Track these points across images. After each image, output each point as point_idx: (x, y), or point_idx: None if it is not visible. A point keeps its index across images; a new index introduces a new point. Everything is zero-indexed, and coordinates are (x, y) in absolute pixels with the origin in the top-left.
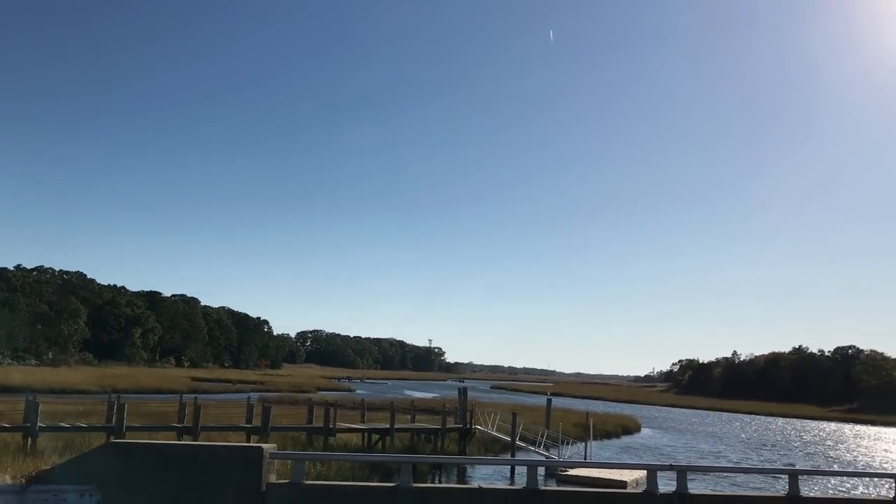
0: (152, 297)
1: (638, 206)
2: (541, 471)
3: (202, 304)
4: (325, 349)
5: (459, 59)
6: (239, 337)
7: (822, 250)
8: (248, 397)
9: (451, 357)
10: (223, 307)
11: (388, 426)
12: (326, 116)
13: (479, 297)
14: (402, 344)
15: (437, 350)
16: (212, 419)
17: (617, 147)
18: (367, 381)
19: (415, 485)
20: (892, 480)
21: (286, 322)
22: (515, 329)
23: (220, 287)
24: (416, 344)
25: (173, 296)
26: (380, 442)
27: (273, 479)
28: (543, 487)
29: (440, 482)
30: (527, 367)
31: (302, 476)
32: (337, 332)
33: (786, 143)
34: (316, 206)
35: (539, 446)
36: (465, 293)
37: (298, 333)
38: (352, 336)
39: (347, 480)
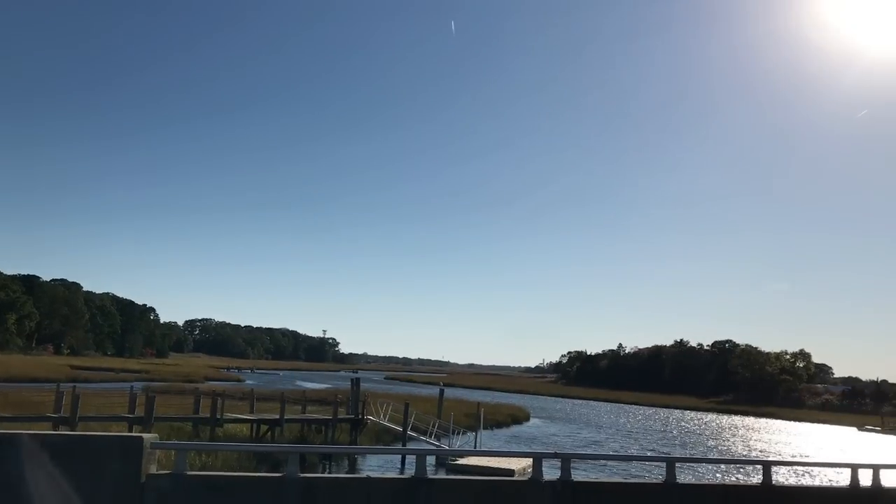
0: (29, 282)
1: (529, 201)
2: (430, 460)
3: (85, 289)
4: (215, 338)
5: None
6: (123, 324)
7: (703, 249)
8: (132, 387)
9: (345, 348)
10: (107, 293)
11: (277, 417)
12: (212, 109)
13: (374, 289)
14: (295, 334)
15: (331, 341)
16: (92, 409)
17: (517, 143)
18: (258, 371)
19: (302, 475)
20: (760, 467)
21: (174, 310)
22: (411, 320)
23: (104, 273)
24: (310, 334)
25: (53, 280)
26: (269, 433)
27: (153, 469)
28: (431, 476)
29: (330, 472)
30: (421, 358)
31: (184, 467)
32: (227, 322)
33: (675, 145)
34: (206, 193)
35: (430, 436)
36: (361, 284)
37: (186, 322)
38: (243, 325)
39: (234, 471)
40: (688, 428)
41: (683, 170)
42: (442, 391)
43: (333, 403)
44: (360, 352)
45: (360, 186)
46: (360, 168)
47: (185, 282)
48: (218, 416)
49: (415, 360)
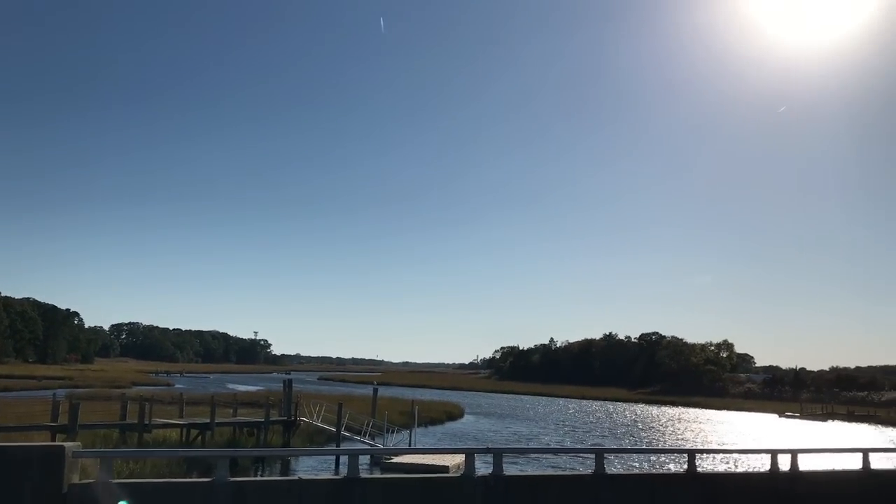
0: None
1: (458, 200)
2: (365, 459)
3: (3, 294)
4: (143, 342)
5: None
6: (45, 330)
7: (630, 244)
8: (54, 394)
9: (277, 349)
10: (27, 298)
11: (208, 420)
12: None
13: (306, 289)
14: (225, 336)
15: (262, 342)
16: (12, 418)
17: (446, 138)
18: (188, 374)
19: (232, 479)
20: (685, 455)
21: (99, 314)
22: (344, 320)
23: (24, 277)
24: (241, 336)
25: None
26: (199, 437)
27: (76, 479)
28: (365, 476)
29: (262, 476)
30: (355, 357)
31: (109, 475)
32: (155, 325)
33: (601, 142)
34: (128, 192)
35: (364, 435)
36: (293, 284)
37: (113, 326)
38: (171, 329)
39: (164, 478)
40: (617, 419)
41: (612, 166)
42: (376, 390)
43: (265, 405)
44: (292, 353)
45: (287, 183)
46: (286, 163)
47: (111, 285)
48: (146, 422)
49: (349, 360)
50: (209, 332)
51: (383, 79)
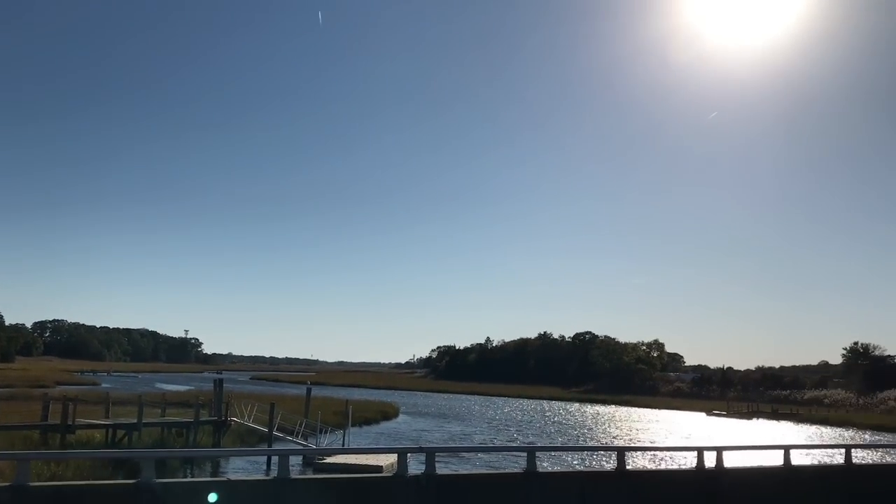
0: None
1: (396, 198)
2: (297, 460)
3: None
4: (68, 341)
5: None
6: None
7: (564, 244)
8: None
9: (209, 348)
10: None
11: (135, 421)
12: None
13: (239, 286)
14: (155, 335)
15: (193, 341)
16: None
17: (383, 138)
18: (116, 374)
19: (158, 480)
20: (615, 453)
21: (21, 312)
22: (278, 319)
23: None
24: (171, 335)
25: None
26: (125, 438)
27: None
28: (296, 476)
29: (192, 477)
30: (289, 357)
31: (27, 478)
32: (81, 323)
33: (540, 143)
34: (49, 185)
35: (297, 436)
36: (225, 281)
37: (35, 324)
38: (98, 326)
39: (87, 480)
40: (551, 418)
41: (550, 169)
42: (309, 390)
43: (195, 405)
44: (224, 352)
45: (220, 182)
46: (218, 163)
47: (33, 281)
48: (69, 423)
49: (283, 360)
50: (138, 330)
51: (319, 77)
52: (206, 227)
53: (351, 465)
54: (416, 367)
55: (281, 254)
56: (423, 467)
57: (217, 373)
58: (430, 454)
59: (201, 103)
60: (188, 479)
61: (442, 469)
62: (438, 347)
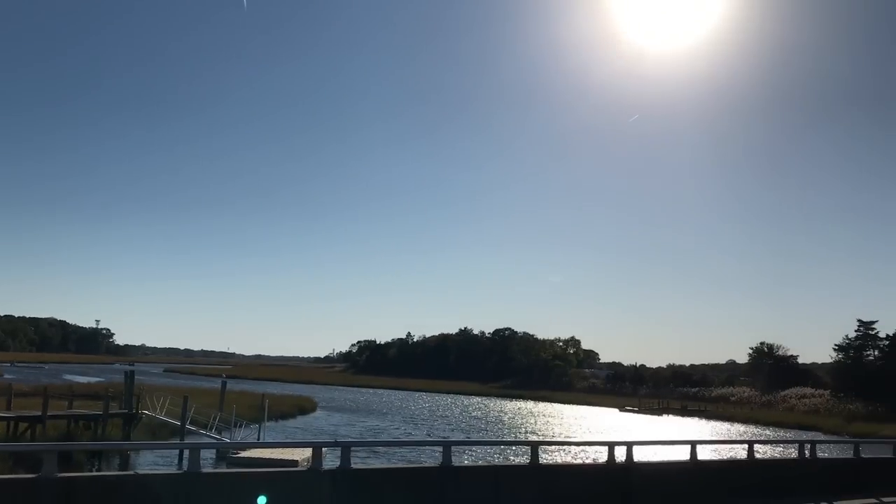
0: None
1: (319, 193)
2: (210, 454)
3: None
4: None
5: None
6: None
7: (485, 241)
8: None
9: (121, 339)
10: None
11: (39, 413)
12: None
13: (154, 275)
14: (63, 324)
15: (104, 331)
16: None
17: (310, 132)
18: (20, 364)
19: (61, 475)
20: (528, 447)
21: None
22: (194, 310)
23: None
24: (81, 324)
25: None
26: (28, 430)
27: None
28: (207, 470)
29: (99, 471)
30: (205, 349)
31: None
32: None
33: (463, 142)
34: None
35: (211, 429)
36: (139, 270)
37: None
38: (2, 315)
39: None
40: (470, 413)
41: (472, 167)
42: (224, 383)
43: (104, 398)
44: (137, 343)
45: (132, 165)
46: (134, 150)
47: None
48: None
49: (198, 352)
50: (45, 320)
51: (228, 70)
52: (117, 213)
53: (266, 459)
54: (336, 362)
55: (197, 243)
56: (338, 461)
57: (129, 364)
58: (346, 448)
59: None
60: (93, 474)
61: (358, 464)
62: (359, 342)
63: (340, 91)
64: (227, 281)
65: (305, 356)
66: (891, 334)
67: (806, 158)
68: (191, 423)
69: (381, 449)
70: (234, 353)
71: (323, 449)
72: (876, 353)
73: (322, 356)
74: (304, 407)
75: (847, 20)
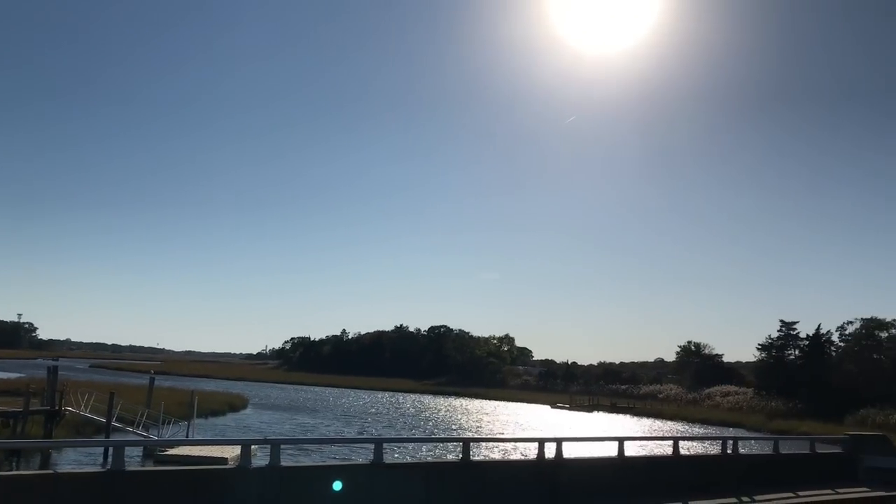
0: None
1: (252, 188)
2: (137, 451)
3: None
4: None
5: None
6: None
7: (423, 238)
8: None
9: (44, 333)
10: None
11: None
12: None
13: (80, 268)
14: None
15: (27, 325)
16: None
17: (247, 130)
18: None
19: None
20: (460, 444)
21: None
22: (122, 305)
23: None
24: (2, 318)
25: None
26: None
27: None
28: (132, 469)
29: (18, 470)
30: (133, 345)
31: None
32: None
33: (406, 142)
34: None
35: (137, 427)
36: (64, 262)
37: None
38: None
39: None
40: (404, 410)
41: (409, 164)
42: (152, 380)
43: (25, 394)
44: (62, 338)
45: (61, 160)
46: (61, 142)
47: None
48: None
49: (126, 348)
50: None
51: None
52: (39, 205)
53: (195, 457)
54: (269, 359)
55: (126, 236)
56: (268, 459)
57: (52, 359)
58: (276, 446)
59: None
60: (9, 473)
61: (288, 461)
62: (292, 339)
63: (277, 87)
64: (157, 275)
65: (238, 352)
66: (811, 335)
67: (732, 160)
68: (117, 421)
69: (312, 447)
70: (163, 349)
71: (253, 447)
72: (797, 352)
73: (255, 353)
74: (234, 404)
75: (772, 25)
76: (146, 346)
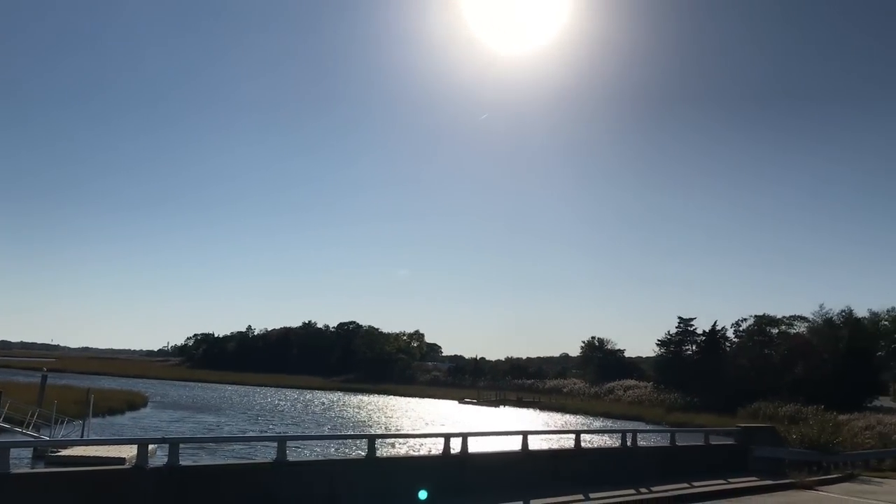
0: None
1: (157, 179)
2: (26, 453)
3: None
4: None
5: None
6: None
7: (334, 234)
8: None
9: None
10: None
11: None
12: None
13: None
14: None
15: None
16: None
17: (152, 123)
18: None
19: None
20: (366, 441)
21: None
22: (12, 298)
23: None
24: None
25: None
26: None
27: None
28: (18, 471)
29: None
30: (25, 341)
31: None
32: None
33: (325, 138)
34: None
35: (27, 427)
36: None
37: None
38: None
39: None
40: (311, 407)
41: (319, 160)
42: (45, 377)
43: None
44: None
45: None
46: None
47: None
48: None
49: (17, 344)
50: None
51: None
52: None
53: (90, 457)
54: (171, 356)
55: (15, 224)
56: (167, 459)
57: None
58: (174, 444)
59: None
60: None
61: (187, 461)
62: (195, 335)
63: (197, 86)
64: (51, 268)
65: (138, 349)
66: (707, 331)
67: (638, 159)
68: (4, 421)
69: (213, 446)
70: (58, 346)
71: (151, 446)
72: (694, 347)
73: (156, 349)
74: (134, 402)
75: (675, 29)
76: (39, 342)
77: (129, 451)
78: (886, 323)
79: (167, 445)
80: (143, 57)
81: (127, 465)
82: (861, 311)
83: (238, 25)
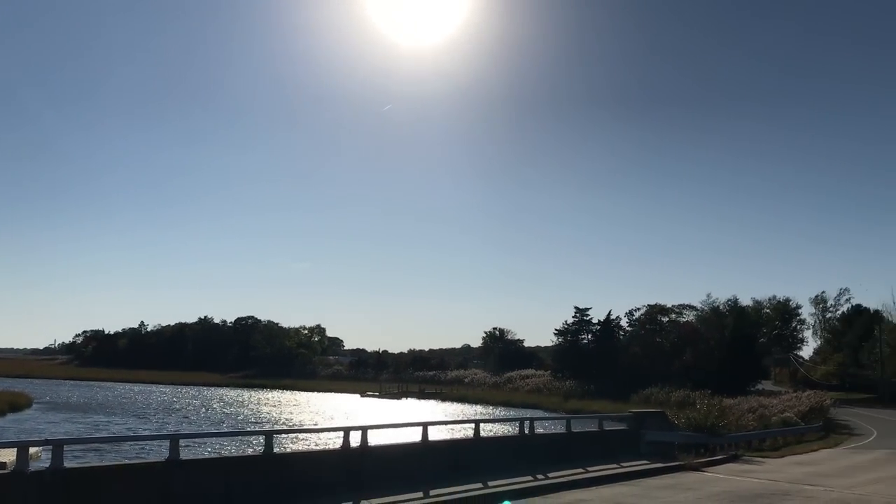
0: None
1: (48, 171)
2: None
3: None
4: None
5: None
6: None
7: (232, 226)
8: None
9: None
10: None
11: None
12: None
13: None
14: None
15: None
16: None
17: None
18: None
19: None
20: (262, 437)
21: None
22: None
23: None
24: None
25: None
26: None
27: None
28: None
29: None
30: None
31: None
32: None
33: (205, 134)
34: None
35: None
36: None
37: None
38: None
39: None
40: (208, 405)
41: (210, 146)
42: None
43: None
44: None
45: None
46: None
47: None
48: None
49: None
50: None
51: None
52: None
53: None
54: (58, 353)
55: None
56: (50, 462)
57: None
58: (58, 446)
59: None
60: None
61: (73, 463)
62: (84, 332)
63: (81, 74)
64: None
65: (22, 347)
66: (602, 320)
67: (536, 154)
68: None
69: (102, 446)
70: None
71: (32, 449)
72: (589, 336)
73: (41, 347)
74: (16, 403)
75: (584, 25)
76: None
77: (9, 456)
78: (768, 311)
79: (51, 448)
80: None
81: (5, 471)
82: (745, 300)
83: (106, 6)
